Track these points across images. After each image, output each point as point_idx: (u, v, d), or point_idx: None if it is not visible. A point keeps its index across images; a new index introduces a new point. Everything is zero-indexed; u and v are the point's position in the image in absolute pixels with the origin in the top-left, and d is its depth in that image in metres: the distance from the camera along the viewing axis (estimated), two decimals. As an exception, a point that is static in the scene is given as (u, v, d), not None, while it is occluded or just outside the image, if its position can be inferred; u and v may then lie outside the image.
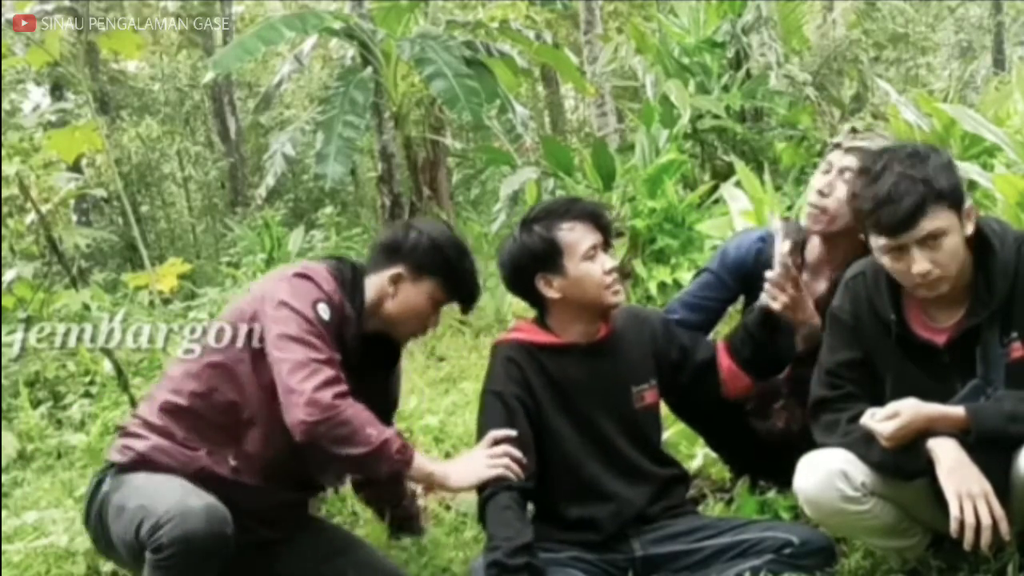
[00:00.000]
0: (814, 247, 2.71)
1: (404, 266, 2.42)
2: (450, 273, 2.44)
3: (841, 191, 2.56)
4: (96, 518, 2.34)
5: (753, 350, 2.59)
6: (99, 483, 2.34)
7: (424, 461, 2.34)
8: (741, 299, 2.91)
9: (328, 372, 2.21)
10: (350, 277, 2.44)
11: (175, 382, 2.38)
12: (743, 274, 2.81)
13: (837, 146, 2.69)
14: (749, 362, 2.61)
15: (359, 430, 2.20)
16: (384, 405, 2.54)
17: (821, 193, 2.62)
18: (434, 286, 2.43)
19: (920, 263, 2.08)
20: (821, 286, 2.70)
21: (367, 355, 2.42)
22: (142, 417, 2.35)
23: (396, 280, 2.42)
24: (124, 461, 2.31)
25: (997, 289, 2.16)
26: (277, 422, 2.25)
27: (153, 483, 2.22)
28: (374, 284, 2.44)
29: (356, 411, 2.22)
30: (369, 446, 2.20)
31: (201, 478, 2.25)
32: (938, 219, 2.08)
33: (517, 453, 2.35)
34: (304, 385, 2.18)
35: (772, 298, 2.55)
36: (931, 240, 2.08)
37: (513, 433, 2.40)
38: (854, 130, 2.75)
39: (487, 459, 2.33)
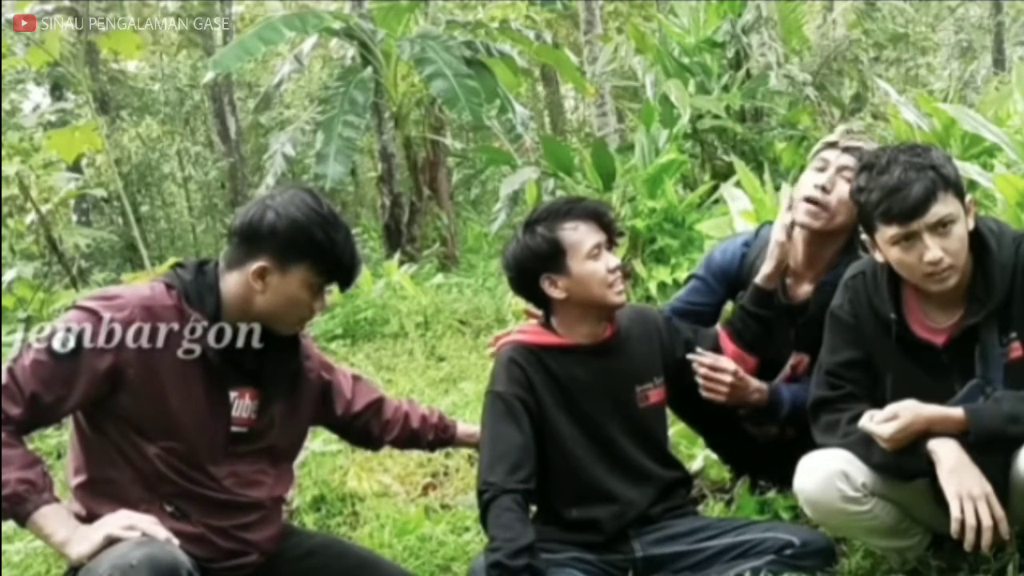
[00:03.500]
0: (797, 249, 2.70)
1: (267, 257, 2.11)
2: (321, 255, 2.14)
3: (841, 188, 2.55)
4: None
5: (754, 331, 2.64)
6: None
7: (55, 523, 1.98)
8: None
9: (9, 407, 1.99)
10: (192, 279, 2.17)
11: (72, 460, 2.17)
12: (729, 279, 2.84)
13: (832, 144, 2.67)
14: (751, 344, 2.65)
15: None
16: (320, 394, 2.42)
17: (824, 189, 2.59)
18: (306, 272, 2.13)
19: (933, 250, 2.09)
20: (804, 288, 2.70)
21: (265, 349, 2.20)
22: (73, 512, 2.10)
23: (261, 275, 2.12)
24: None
25: (995, 289, 2.17)
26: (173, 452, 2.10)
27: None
28: (236, 282, 2.15)
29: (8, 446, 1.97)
30: None
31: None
32: (948, 205, 2.10)
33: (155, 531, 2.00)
34: None
35: (711, 394, 2.58)
36: (941, 227, 2.10)
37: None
38: (850, 130, 2.73)
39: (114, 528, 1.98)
